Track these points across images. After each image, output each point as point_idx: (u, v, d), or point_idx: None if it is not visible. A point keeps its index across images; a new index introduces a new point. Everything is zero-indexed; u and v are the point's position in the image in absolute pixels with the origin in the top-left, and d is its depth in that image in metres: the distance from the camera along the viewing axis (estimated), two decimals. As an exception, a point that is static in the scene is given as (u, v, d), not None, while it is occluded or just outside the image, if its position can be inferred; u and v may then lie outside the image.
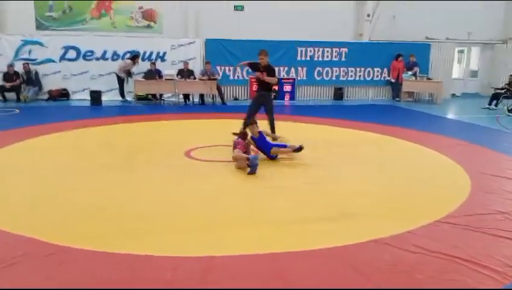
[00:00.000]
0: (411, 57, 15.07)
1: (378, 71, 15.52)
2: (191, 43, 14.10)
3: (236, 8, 14.85)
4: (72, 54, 13.57)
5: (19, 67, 13.07)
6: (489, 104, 13.22)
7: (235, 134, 7.21)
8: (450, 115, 12.35)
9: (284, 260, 3.40)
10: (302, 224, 4.16)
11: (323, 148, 7.35)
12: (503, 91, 13.39)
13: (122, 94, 13.54)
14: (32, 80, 13.19)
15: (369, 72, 15.47)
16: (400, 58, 15.08)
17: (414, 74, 14.85)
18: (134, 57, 13.36)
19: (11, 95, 13.00)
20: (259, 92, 7.96)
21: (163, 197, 4.86)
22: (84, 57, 13.63)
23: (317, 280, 3.12)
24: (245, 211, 4.49)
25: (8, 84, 12.83)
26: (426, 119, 11.22)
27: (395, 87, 15.32)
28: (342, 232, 3.98)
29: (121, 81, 13.44)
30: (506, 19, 16.94)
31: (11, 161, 6.39)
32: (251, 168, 5.65)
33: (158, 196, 4.90)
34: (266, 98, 7.87)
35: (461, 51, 17.68)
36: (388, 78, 15.48)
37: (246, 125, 7.12)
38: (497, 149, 7.42)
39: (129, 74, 13.45)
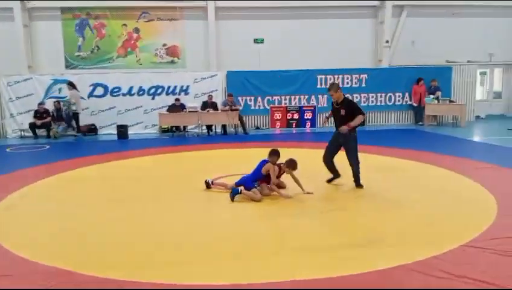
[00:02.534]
0: (433, 82, 15.03)
1: (399, 96, 15.52)
2: (213, 76, 14.51)
3: (256, 41, 15.26)
4: (99, 90, 14.15)
5: (48, 105, 13.67)
6: (516, 125, 13.00)
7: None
8: (475, 138, 12.18)
9: (307, 286, 3.44)
10: (327, 251, 4.19)
11: (345, 175, 7.35)
12: (529, 111, 13.16)
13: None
14: (62, 117, 13.75)
15: (390, 97, 15.49)
16: (421, 82, 15.06)
17: (437, 98, 14.78)
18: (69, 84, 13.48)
19: (42, 132, 13.55)
20: (337, 130, 6.41)
21: (186, 228, 4.97)
22: (112, 94, 14.17)
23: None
24: (269, 239, 4.55)
25: (38, 122, 13.40)
26: (450, 143, 11.09)
27: (418, 111, 15.24)
28: (367, 259, 3.98)
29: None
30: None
31: (43, 195, 6.65)
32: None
33: (181, 227, 5.02)
34: (346, 138, 6.31)
35: (483, 73, 17.52)
36: (410, 102, 15.44)
37: (330, 170, 6.66)
38: (525, 171, 7.29)
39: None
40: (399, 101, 15.55)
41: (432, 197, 6.00)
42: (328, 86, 6.51)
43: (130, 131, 13.67)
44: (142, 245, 4.45)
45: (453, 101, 15.04)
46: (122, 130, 13.30)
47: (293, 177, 6.29)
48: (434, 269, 3.63)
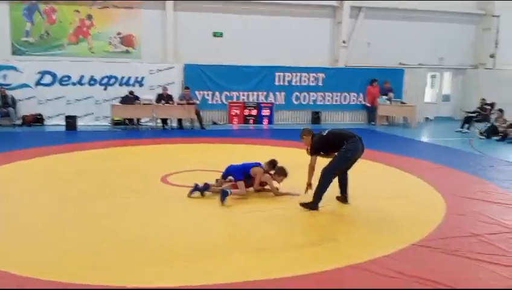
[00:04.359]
0: (385, 83, 15.44)
1: (354, 96, 15.80)
2: (170, 68, 14.14)
3: (215, 34, 15.05)
4: (48, 79, 13.40)
5: (-8, 92, 12.84)
6: (462, 127, 13.61)
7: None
8: (424, 138, 12.64)
9: (264, 286, 3.38)
10: (279, 251, 4.14)
11: (301, 173, 7.34)
12: (474, 115, 13.82)
13: None
14: (8, 104, 12.94)
15: (345, 96, 15.75)
16: (375, 84, 15.42)
17: (389, 99, 15.20)
18: None
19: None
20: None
21: (142, 226, 4.76)
22: (61, 82, 13.48)
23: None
24: (227, 239, 4.43)
25: (-19, 109, 12.56)
26: (401, 143, 11.43)
27: (371, 111, 15.61)
28: (319, 259, 3.97)
29: None
30: (476, 45, 17.64)
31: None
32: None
33: (136, 225, 4.80)
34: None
35: (434, 76, 18.23)
36: (364, 102, 15.78)
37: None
38: (470, 171, 7.61)
39: None
40: (353, 100, 15.85)
41: (382, 195, 6.10)
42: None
43: (80, 122, 13.07)
44: (92, 245, 4.19)
45: (404, 103, 15.52)
46: (70, 121, 12.69)
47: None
48: (385, 269, 3.66)
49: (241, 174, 5.89)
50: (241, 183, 5.81)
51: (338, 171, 5.43)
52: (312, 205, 5.33)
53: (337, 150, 5.37)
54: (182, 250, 4.12)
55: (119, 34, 14.53)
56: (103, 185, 6.44)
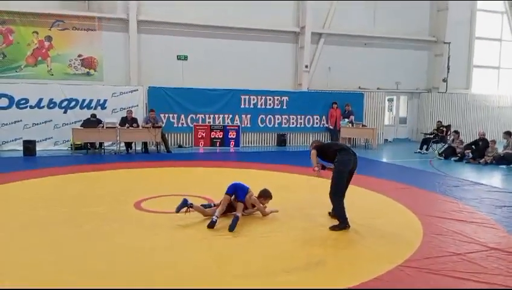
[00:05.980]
0: (346, 106, 15.89)
1: (317, 118, 16.12)
2: (134, 90, 13.87)
3: (179, 57, 14.99)
4: (4, 102, 12.75)
5: None
6: (421, 148, 14.17)
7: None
8: (387, 159, 13.03)
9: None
10: (270, 277, 4.06)
11: (277, 193, 7.32)
12: (432, 136, 14.46)
13: None
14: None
15: (309, 119, 16.03)
16: (335, 106, 15.78)
17: (350, 122, 15.63)
18: None
19: None
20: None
21: (119, 257, 4.54)
22: (18, 106, 12.87)
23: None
24: (209, 265, 4.32)
25: None
26: (366, 164, 11.66)
27: (334, 133, 15.96)
28: (309, 284, 3.93)
29: None
30: (429, 70, 18.61)
31: None
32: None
33: (112, 256, 4.57)
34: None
35: (390, 100, 18.97)
36: (327, 125, 16.12)
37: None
38: (437, 191, 7.89)
39: None
40: (317, 123, 16.17)
41: (359, 217, 6.09)
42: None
43: (38, 147, 12.47)
44: (54, 279, 3.93)
45: (365, 126, 16.02)
46: (29, 146, 12.09)
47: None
48: (380, 292, 3.68)
49: (243, 196, 5.87)
50: (240, 205, 5.78)
51: (340, 186, 5.67)
52: (342, 226, 5.52)
53: (333, 159, 5.71)
54: (167, 278, 3.95)
55: (79, 56, 14.18)
56: (70, 213, 6.11)
